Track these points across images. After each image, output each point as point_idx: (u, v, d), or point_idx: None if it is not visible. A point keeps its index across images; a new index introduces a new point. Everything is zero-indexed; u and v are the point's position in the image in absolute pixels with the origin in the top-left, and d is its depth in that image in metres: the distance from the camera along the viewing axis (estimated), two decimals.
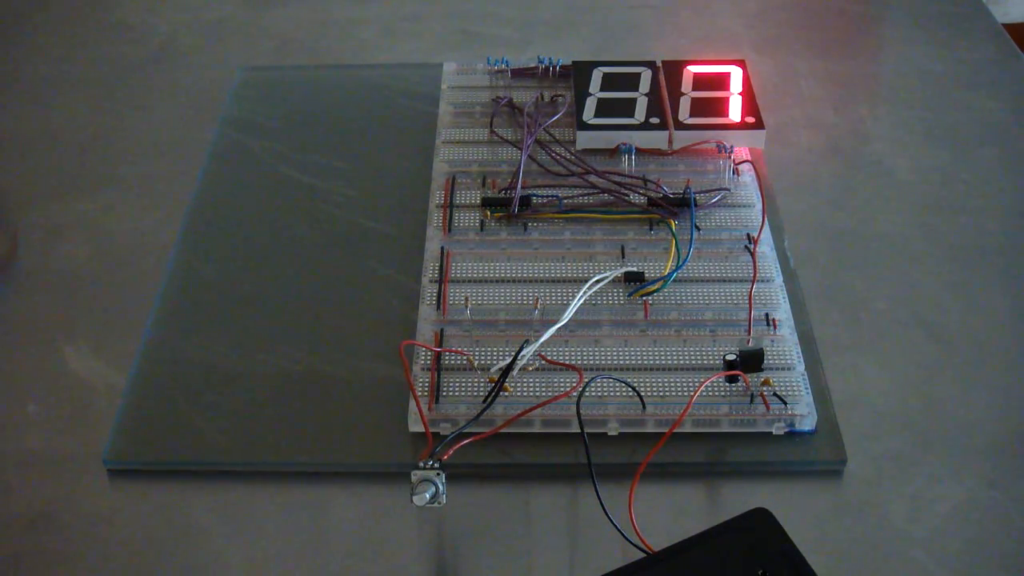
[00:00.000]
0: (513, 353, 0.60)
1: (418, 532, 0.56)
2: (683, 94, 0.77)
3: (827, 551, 0.54)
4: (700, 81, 0.78)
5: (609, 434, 0.58)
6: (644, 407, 0.58)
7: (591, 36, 0.92)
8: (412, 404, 0.58)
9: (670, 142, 0.74)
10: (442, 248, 0.68)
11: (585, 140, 0.75)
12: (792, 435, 0.58)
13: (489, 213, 0.70)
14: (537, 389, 0.59)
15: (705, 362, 0.61)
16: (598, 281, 0.64)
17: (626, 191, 0.71)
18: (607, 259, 0.67)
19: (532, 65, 0.82)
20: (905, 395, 0.62)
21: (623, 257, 0.67)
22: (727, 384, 0.60)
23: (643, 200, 0.70)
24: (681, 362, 0.61)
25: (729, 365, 0.60)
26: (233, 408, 0.61)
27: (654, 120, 0.75)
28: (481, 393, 0.59)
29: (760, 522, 0.50)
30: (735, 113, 0.75)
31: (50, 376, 0.63)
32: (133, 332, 0.65)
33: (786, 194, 0.74)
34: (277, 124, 0.80)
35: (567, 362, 0.60)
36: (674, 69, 0.79)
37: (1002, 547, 0.55)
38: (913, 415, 0.61)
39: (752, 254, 0.66)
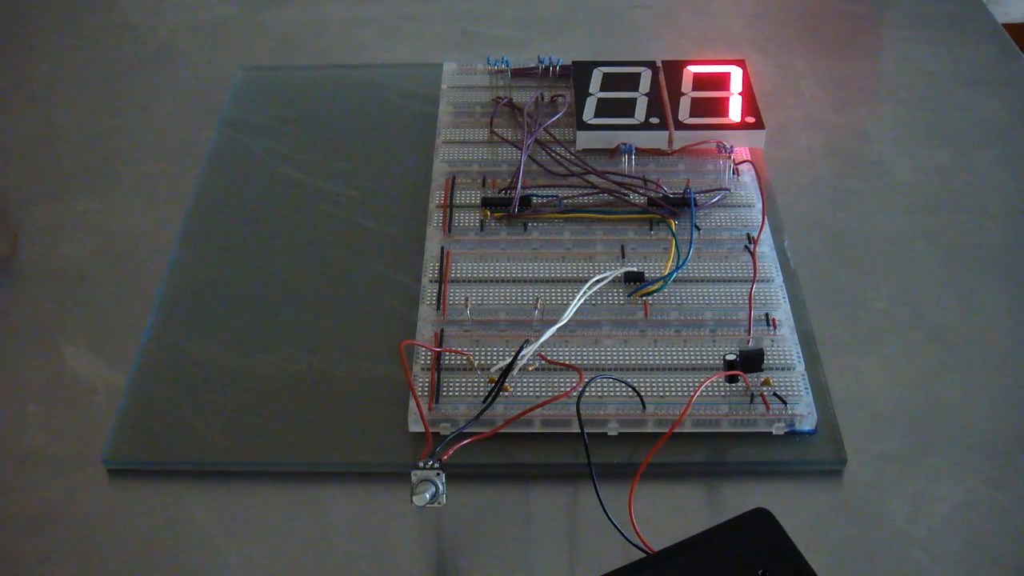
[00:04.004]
0: (513, 353, 0.60)
1: (418, 532, 0.56)
2: (683, 94, 0.77)
3: (827, 551, 0.54)
4: (700, 81, 0.78)
5: (609, 434, 0.58)
6: (644, 407, 0.58)
7: (591, 36, 0.92)
8: (412, 404, 0.58)
9: (670, 142, 0.74)
10: (442, 248, 0.68)
11: (585, 140, 0.75)
12: (792, 435, 0.58)
13: (489, 213, 0.70)
14: (537, 389, 0.59)
15: (705, 362, 0.61)
16: (598, 281, 0.64)
17: (626, 191, 0.71)
18: (607, 259, 0.67)
19: (532, 65, 0.82)
20: (905, 395, 0.62)
21: (623, 257, 0.67)
22: (727, 384, 0.60)
23: (643, 200, 0.70)
24: (681, 362, 0.61)
25: (729, 365, 0.60)
26: (233, 408, 0.61)
27: (654, 120, 0.75)
28: (481, 393, 0.59)
29: (760, 522, 0.50)
30: (735, 113, 0.75)
31: (50, 376, 0.63)
32: (133, 332, 0.65)
33: (786, 194, 0.74)
34: (277, 124, 0.80)
35: (567, 362, 0.60)
36: (674, 69, 0.79)
37: (1002, 547, 0.55)
38: (913, 415, 0.61)
39: (752, 254, 0.66)
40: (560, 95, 0.79)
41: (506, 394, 0.59)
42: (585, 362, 0.61)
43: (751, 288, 0.64)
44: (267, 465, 0.58)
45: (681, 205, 0.69)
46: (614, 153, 0.74)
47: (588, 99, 0.77)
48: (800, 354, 0.61)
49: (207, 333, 0.65)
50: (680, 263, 0.65)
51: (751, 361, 0.60)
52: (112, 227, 0.73)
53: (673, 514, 0.56)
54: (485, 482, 0.58)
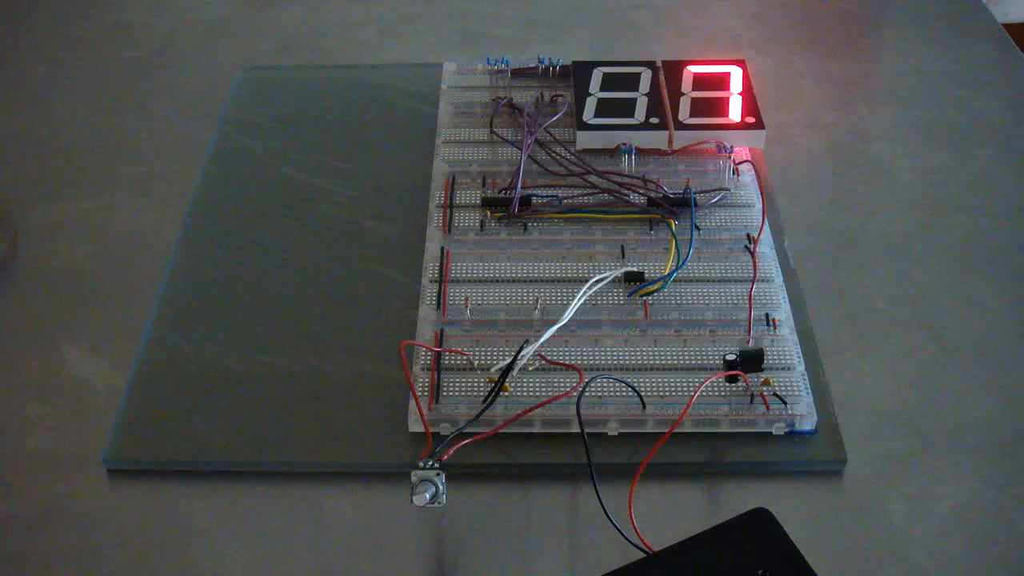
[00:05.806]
0: (513, 353, 0.60)
1: (418, 532, 0.56)
2: (683, 94, 0.77)
3: (827, 551, 0.54)
4: (700, 81, 0.78)
5: (609, 434, 0.58)
6: (644, 407, 0.58)
7: (591, 36, 0.92)
8: (412, 404, 0.58)
9: (670, 142, 0.74)
10: (442, 248, 0.68)
11: (585, 140, 0.75)
12: (792, 435, 0.58)
13: (489, 213, 0.70)
14: (537, 389, 0.59)
15: (705, 362, 0.61)
16: (598, 281, 0.64)
17: (626, 191, 0.71)
18: (607, 259, 0.67)
19: (532, 65, 0.82)
20: (905, 395, 0.62)
21: (623, 257, 0.67)
22: (727, 384, 0.60)
23: (643, 200, 0.70)
24: (681, 362, 0.61)
25: (729, 365, 0.60)
26: (233, 408, 0.61)
27: (654, 120, 0.75)
28: (481, 393, 0.59)
29: (760, 522, 0.50)
30: (735, 113, 0.75)
31: (50, 376, 0.63)
32: (133, 332, 0.65)
33: (786, 194, 0.74)
34: (277, 124, 0.80)
35: (567, 362, 0.60)
36: (674, 69, 0.79)
37: (1002, 547, 0.55)
38: (913, 415, 0.61)
39: (752, 254, 0.66)
40: (560, 95, 0.79)
41: (506, 394, 0.59)
42: (585, 362, 0.61)
43: (751, 288, 0.64)
44: (267, 465, 0.58)
45: (681, 205, 0.69)
46: (614, 153, 0.74)
47: (588, 99, 0.77)
48: (800, 354, 0.61)
49: (207, 333, 0.65)
50: (680, 263, 0.65)
51: (751, 361, 0.60)
52: (112, 227, 0.73)
53: (673, 514, 0.56)
54: (485, 482, 0.58)
